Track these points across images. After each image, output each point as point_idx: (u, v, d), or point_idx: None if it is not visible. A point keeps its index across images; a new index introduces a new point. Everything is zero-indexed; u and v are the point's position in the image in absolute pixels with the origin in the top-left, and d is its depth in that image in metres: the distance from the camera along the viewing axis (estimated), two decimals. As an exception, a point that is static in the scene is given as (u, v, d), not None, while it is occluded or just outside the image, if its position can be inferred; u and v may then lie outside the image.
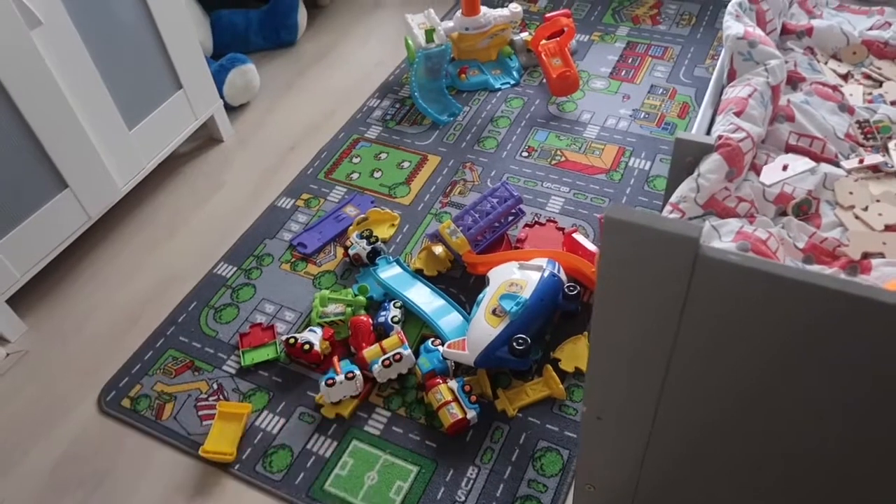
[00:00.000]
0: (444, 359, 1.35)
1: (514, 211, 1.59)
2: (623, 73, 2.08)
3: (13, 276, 1.55)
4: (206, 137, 2.03)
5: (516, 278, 1.37)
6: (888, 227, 1.07)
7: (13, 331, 1.59)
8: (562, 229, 1.62)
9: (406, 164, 1.88)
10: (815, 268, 1.04)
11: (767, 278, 0.64)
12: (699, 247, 0.65)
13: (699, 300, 0.69)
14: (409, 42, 2.06)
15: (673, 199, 1.09)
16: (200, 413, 1.41)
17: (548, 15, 2.10)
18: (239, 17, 2.30)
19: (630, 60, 2.12)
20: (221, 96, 2.02)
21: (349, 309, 1.49)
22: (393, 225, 1.71)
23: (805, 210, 1.11)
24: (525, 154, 1.86)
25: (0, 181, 1.47)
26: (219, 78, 2.02)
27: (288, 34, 2.33)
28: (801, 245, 1.07)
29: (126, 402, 1.45)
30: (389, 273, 1.55)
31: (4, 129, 1.44)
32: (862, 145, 1.21)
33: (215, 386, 1.45)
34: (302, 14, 2.35)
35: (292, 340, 1.43)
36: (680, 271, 0.67)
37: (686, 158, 1.13)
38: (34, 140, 1.50)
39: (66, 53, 1.52)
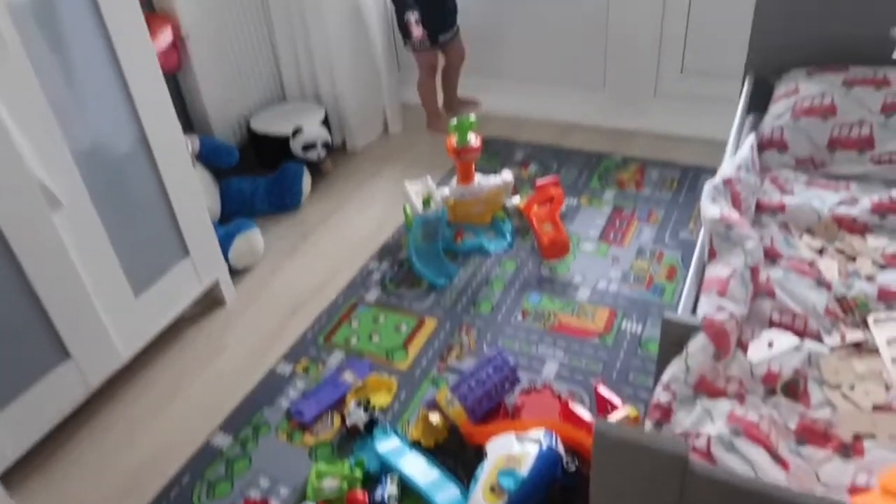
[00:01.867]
0: (442, 539, 1.31)
1: (510, 379, 1.60)
2: (611, 236, 2.17)
3: (5, 453, 1.54)
4: (209, 301, 2.09)
5: (514, 452, 1.36)
6: (876, 407, 1.09)
7: (0, 508, 1.55)
8: (558, 396, 1.63)
9: (404, 328, 1.91)
10: (809, 450, 1.05)
11: (754, 496, 0.65)
12: (688, 463, 0.67)
13: (690, 513, 0.70)
14: (408, 208, 2.18)
15: (664, 378, 1.12)
16: None
17: (538, 182, 2.24)
18: (247, 184, 2.44)
19: (618, 223, 2.23)
20: (227, 260, 2.09)
21: (345, 484, 1.47)
22: (390, 391, 1.72)
23: (793, 389, 1.13)
24: (519, 317, 1.90)
25: (3, 353, 1.50)
26: (225, 243, 2.11)
27: (292, 200, 2.46)
28: (792, 426, 1.08)
29: None
30: (387, 445, 1.54)
31: (13, 303, 1.49)
32: (843, 321, 1.25)
33: (204, 569, 1.39)
34: (306, 181, 2.49)
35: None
36: (670, 487, 0.69)
37: (674, 338, 1.17)
38: (40, 310, 1.54)
39: (82, 230, 1.60)
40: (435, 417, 1.58)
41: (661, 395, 1.10)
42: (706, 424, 1.04)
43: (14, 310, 1.50)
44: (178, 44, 2.31)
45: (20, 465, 1.61)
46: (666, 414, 1.08)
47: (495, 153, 2.68)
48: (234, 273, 2.17)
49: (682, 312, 1.25)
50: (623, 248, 2.12)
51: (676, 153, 2.57)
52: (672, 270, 2.00)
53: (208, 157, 2.33)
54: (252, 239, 2.18)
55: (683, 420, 1.06)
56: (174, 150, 1.82)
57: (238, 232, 2.15)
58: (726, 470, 0.66)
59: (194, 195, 1.92)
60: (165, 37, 2.24)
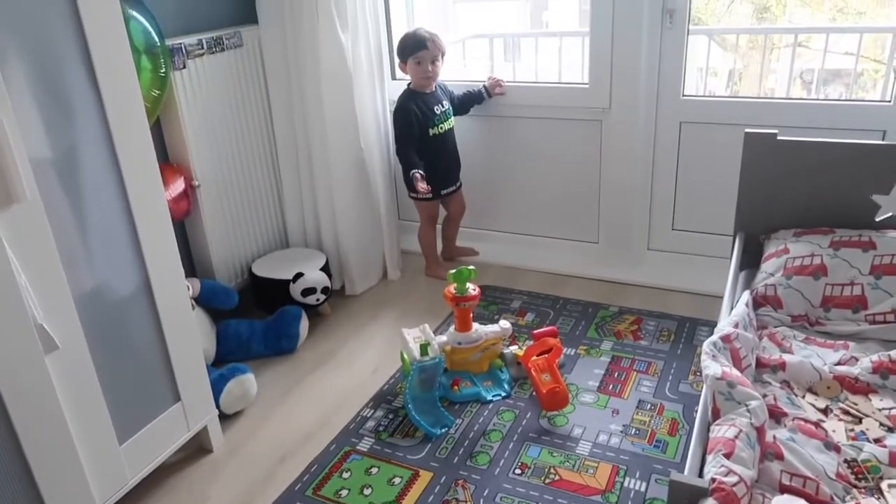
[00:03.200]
0: None
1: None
2: (611, 388, 2.15)
3: None
4: (195, 447, 2.01)
5: None
6: (902, 585, 1.03)
7: None
8: (560, 562, 1.53)
9: (397, 480, 1.83)
10: None
11: None
12: None
13: None
14: (405, 355, 2.16)
15: (673, 546, 1.06)
16: None
17: (536, 332, 2.24)
18: (244, 326, 2.44)
19: (616, 374, 2.21)
20: (217, 405, 2.05)
21: None
22: None
23: (811, 561, 1.07)
24: (518, 471, 1.83)
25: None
26: (217, 387, 2.07)
27: (289, 343, 2.45)
28: None
29: None
30: None
31: (-4, 450, 1.44)
32: (855, 486, 1.21)
33: None
34: (304, 324, 2.49)
35: None
36: None
37: (682, 501, 1.12)
38: (20, 455, 1.48)
39: (74, 374, 1.57)
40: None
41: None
42: None
43: (-5, 455, 1.44)
44: (188, 192, 2.41)
45: None
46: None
47: (493, 301, 2.71)
48: (224, 418, 2.11)
49: (688, 474, 1.21)
50: (623, 399, 2.09)
51: (671, 305, 2.60)
52: (674, 424, 1.96)
53: (208, 299, 2.35)
54: (245, 383, 2.14)
55: None
56: (176, 295, 1.84)
57: (232, 376, 2.12)
58: None
59: (192, 340, 1.91)
60: (178, 186, 2.34)
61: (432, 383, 2.11)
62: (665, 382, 2.15)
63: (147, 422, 1.79)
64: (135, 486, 1.79)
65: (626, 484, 1.76)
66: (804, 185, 1.98)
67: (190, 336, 1.90)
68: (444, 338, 2.24)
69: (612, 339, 2.42)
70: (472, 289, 2.22)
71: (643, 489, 1.73)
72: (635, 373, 2.21)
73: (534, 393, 2.12)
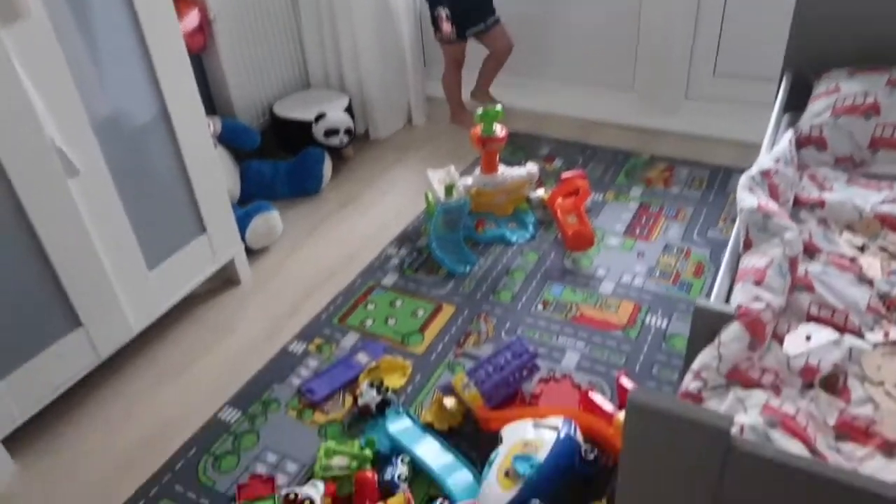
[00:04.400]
0: (453, 525, 1.26)
1: (528, 366, 1.56)
2: (637, 231, 2.12)
3: (12, 416, 1.51)
4: (223, 279, 2.05)
5: (531, 438, 1.31)
6: (921, 406, 1.03)
7: (3, 472, 1.52)
8: (578, 386, 1.57)
9: (420, 313, 1.87)
10: (849, 447, 0.99)
11: (804, 476, 0.60)
12: (731, 439, 0.61)
13: (730, 492, 0.65)
14: (430, 196, 2.14)
15: (695, 366, 1.06)
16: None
17: (564, 175, 2.19)
18: (267, 167, 2.41)
19: (644, 219, 2.18)
20: (244, 240, 2.07)
21: (354, 463, 1.42)
22: (404, 374, 1.67)
23: (833, 384, 1.07)
24: (540, 307, 1.85)
25: (14, 317, 1.48)
26: (243, 223, 2.08)
27: (313, 184, 2.43)
28: (831, 421, 1.02)
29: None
30: (399, 426, 1.49)
31: (27, 268, 1.47)
32: (886, 318, 1.19)
33: (206, 545, 1.35)
34: (327, 166, 2.46)
35: (292, 496, 1.35)
36: (710, 464, 0.64)
37: (706, 327, 1.12)
38: (55, 279, 1.52)
39: (98, 199, 1.57)
40: (450, 401, 1.53)
41: (690, 383, 1.05)
42: (739, 414, 0.99)
43: (27, 275, 1.48)
44: (204, 26, 2.29)
45: (26, 430, 1.58)
46: (696, 401, 1.03)
47: (520, 147, 2.64)
48: (251, 253, 2.13)
49: (714, 301, 1.20)
50: (649, 243, 2.06)
51: (707, 154, 2.51)
52: (700, 267, 1.94)
53: (230, 138, 2.31)
54: (270, 220, 2.15)
55: (714, 408, 1.00)
56: (195, 127, 1.79)
57: (257, 212, 2.12)
58: (774, 447, 0.61)
59: (214, 173, 1.89)
60: (192, 18, 2.23)
61: (457, 224, 2.10)
62: (694, 228, 2.12)
63: (174, 251, 1.81)
64: (166, 313, 1.85)
65: (647, 321, 1.77)
66: (862, 20, 1.82)
67: (212, 169, 1.87)
68: (469, 180, 2.20)
69: (641, 185, 2.36)
70: (500, 130, 2.14)
71: (664, 326, 1.75)
72: (664, 218, 2.18)
73: (559, 235, 2.11)
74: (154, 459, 1.53)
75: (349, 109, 2.61)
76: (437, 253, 2.04)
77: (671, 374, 1.59)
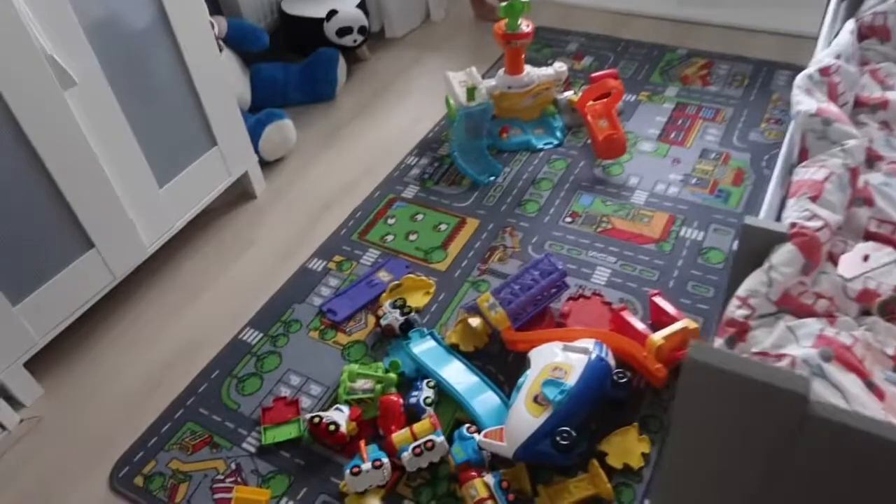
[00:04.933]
0: (481, 448, 1.23)
1: (557, 284, 1.49)
2: (672, 136, 1.98)
3: (32, 339, 1.49)
4: (238, 193, 1.98)
5: (560, 361, 1.26)
6: None
7: (29, 395, 1.53)
8: (608, 304, 1.51)
9: (443, 227, 1.79)
10: (909, 379, 0.92)
11: (883, 443, 0.52)
12: (808, 405, 0.54)
13: (803, 459, 0.58)
14: (450, 100, 2.00)
15: (741, 292, 0.98)
16: (216, 496, 1.31)
17: (594, 75, 2.03)
18: (278, 71, 2.27)
19: (680, 122, 2.03)
20: (257, 151, 1.97)
21: (379, 386, 1.40)
22: (428, 293, 1.62)
23: (892, 309, 0.99)
24: (569, 220, 1.76)
25: (24, 241, 1.43)
26: (255, 133, 1.98)
27: (326, 89, 2.30)
28: (890, 352, 0.94)
29: (139, 480, 1.36)
30: (423, 347, 1.45)
31: (31, 189, 1.40)
32: (953, 233, 1.08)
33: (233, 466, 1.36)
34: (341, 69, 2.31)
35: (317, 420, 1.33)
36: (782, 431, 0.56)
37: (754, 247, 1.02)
38: (61, 199, 1.46)
39: (99, 113, 1.48)
40: (475, 321, 1.48)
41: (736, 310, 0.97)
42: (790, 345, 0.91)
43: (32, 197, 1.41)
44: None
45: (48, 354, 1.57)
46: (741, 331, 0.95)
47: (546, 44, 2.45)
48: (265, 165, 2.05)
49: (764, 218, 1.09)
50: (685, 148, 1.93)
51: (749, 47, 2.31)
52: (739, 174, 1.82)
53: (236, 40, 2.16)
54: (284, 128, 2.04)
55: (762, 338, 0.93)
56: (198, 29, 1.66)
57: (269, 121, 2.01)
58: (857, 415, 0.54)
59: (221, 80, 1.77)
60: None
61: (480, 130, 1.98)
62: (733, 131, 1.97)
63: (185, 165, 1.73)
64: (181, 229, 1.79)
65: (681, 233, 1.68)
66: None
67: (219, 76, 1.75)
68: (492, 82, 2.05)
69: (677, 84, 2.19)
70: (525, 25, 1.97)
71: (700, 238, 1.66)
72: (701, 120, 2.03)
73: (588, 140, 1.98)
74: (178, 381, 1.52)
75: (362, 5, 2.43)
76: (460, 162, 1.93)
77: (706, 291, 1.51)
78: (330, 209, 1.92)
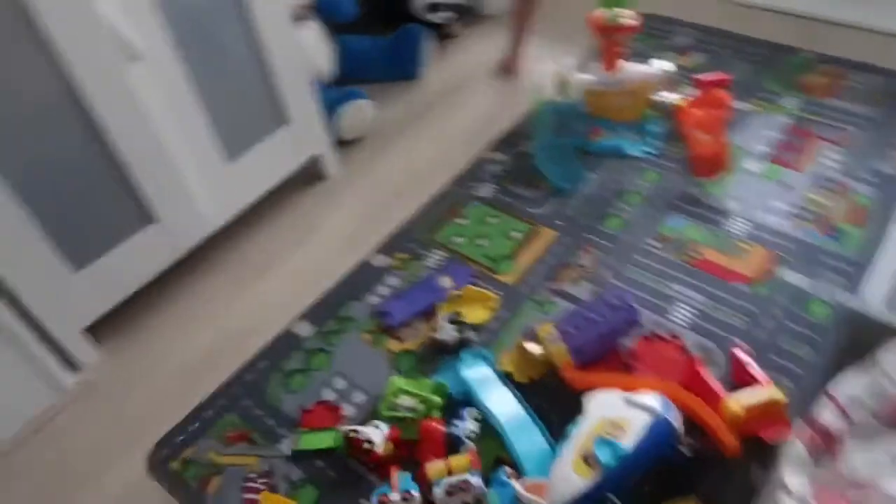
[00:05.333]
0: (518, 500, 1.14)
1: (628, 321, 1.35)
2: (785, 156, 1.76)
3: (92, 305, 1.50)
4: (309, 173, 1.93)
5: (618, 417, 1.13)
6: None
7: (85, 359, 1.55)
8: (685, 352, 1.36)
9: (516, 234, 1.67)
10: None
11: None
12: None
13: None
14: (538, 92, 1.86)
15: (840, 396, 0.82)
16: (245, 496, 1.28)
17: (701, 78, 1.82)
18: (366, 43, 2.19)
19: (795, 140, 1.80)
20: (334, 129, 1.91)
21: (422, 406, 1.31)
22: (489, 308, 1.51)
23: None
24: (654, 243, 1.60)
25: (87, 211, 1.42)
26: (332, 110, 1.91)
27: (411, 67, 2.20)
28: None
29: (176, 465, 1.35)
30: (474, 371, 1.35)
31: (95, 160, 1.39)
32: None
33: (266, 467, 1.32)
34: (428, 47, 2.20)
35: (353, 434, 1.27)
36: None
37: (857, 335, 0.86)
38: (124, 171, 1.44)
39: (165, 85, 1.45)
40: (534, 349, 1.37)
41: (829, 417, 0.81)
42: (890, 478, 0.75)
43: (95, 167, 1.40)
44: None
45: (107, 321, 1.58)
46: (831, 444, 0.80)
47: (651, 34, 2.24)
48: (342, 144, 1.98)
49: (875, 292, 0.92)
50: (798, 173, 1.72)
51: (889, 56, 2.02)
52: (861, 213, 1.60)
53: (324, 9, 2.08)
54: (362, 108, 1.97)
55: (858, 463, 0.77)
56: (274, 2, 1.58)
57: (347, 100, 1.94)
58: None
59: (297, 57, 1.70)
60: None
61: (567, 129, 1.83)
62: (859, 157, 1.73)
63: (254, 142, 1.69)
64: (248, 207, 1.76)
65: (782, 275, 1.49)
66: None
67: (294, 54, 1.68)
68: (586, 77, 1.89)
69: (798, 94, 1.95)
70: (628, 16, 1.79)
71: (803, 285, 1.46)
72: (821, 140, 1.79)
73: (687, 153, 1.79)
74: (227, 367, 1.49)
75: (461, -21, 2.29)
76: (542, 163, 1.80)
77: (802, 350, 1.33)
78: (401, 198, 1.84)
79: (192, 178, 1.56)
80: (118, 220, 1.48)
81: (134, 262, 1.54)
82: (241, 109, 1.63)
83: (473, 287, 1.54)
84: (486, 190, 1.81)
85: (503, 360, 1.39)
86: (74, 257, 1.43)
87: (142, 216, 1.51)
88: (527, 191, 1.79)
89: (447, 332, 1.42)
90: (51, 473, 1.38)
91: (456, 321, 1.44)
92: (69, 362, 1.51)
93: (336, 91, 1.97)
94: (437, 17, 2.20)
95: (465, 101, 2.13)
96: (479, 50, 2.31)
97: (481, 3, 2.46)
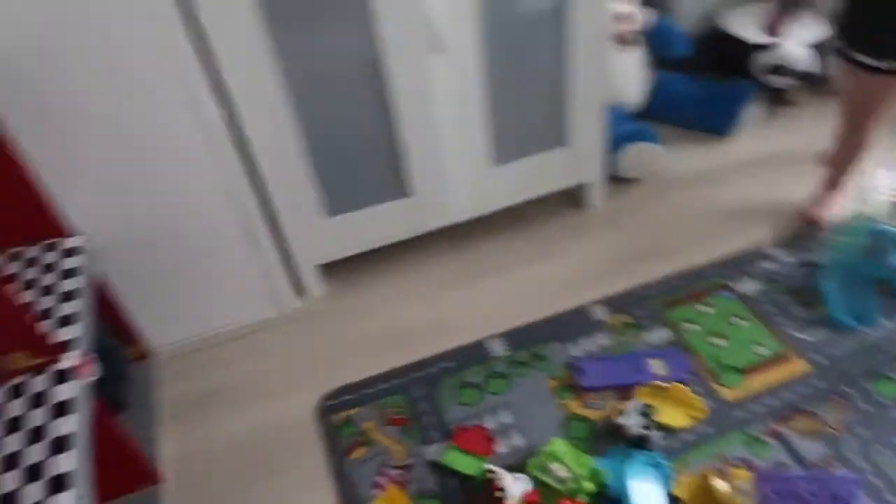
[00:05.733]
0: None
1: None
2: None
3: (333, 248, 1.64)
4: (570, 197, 1.86)
5: None
6: None
7: (314, 290, 1.69)
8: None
9: (761, 350, 1.44)
10: None
11: None
12: None
13: None
14: (864, 203, 1.55)
15: None
16: (377, 479, 1.31)
17: None
18: (682, 84, 2.03)
19: None
20: (614, 163, 1.81)
21: (573, 485, 1.21)
22: (691, 416, 1.33)
23: None
24: (931, 433, 1.26)
25: (356, 169, 1.54)
26: (619, 144, 1.81)
27: (726, 123, 1.99)
28: None
29: (337, 419, 1.42)
30: (640, 480, 1.20)
31: (375, 128, 1.48)
32: None
33: (408, 462, 1.33)
34: (751, 110, 1.97)
35: (492, 474, 1.22)
36: None
37: None
38: (397, 145, 1.52)
39: (458, 81, 1.49)
40: (721, 486, 1.17)
41: None
42: None
43: (373, 135, 1.50)
44: None
45: (339, 267, 1.71)
46: None
47: None
48: (614, 180, 1.88)
49: None
50: None
51: None
52: None
53: (656, 39, 1.97)
54: (646, 152, 1.84)
55: None
56: (595, 25, 1.52)
57: (636, 139, 1.82)
58: None
59: (601, 82, 1.62)
60: None
61: (881, 259, 1.51)
62: None
63: (526, 154, 1.67)
64: (498, 211, 1.75)
65: None
66: None
67: (599, 75, 1.60)
68: (933, 204, 1.53)
69: None
70: None
71: None
72: None
73: None
74: (418, 351, 1.53)
75: (818, 45, 1.98)
76: (828, 285, 1.51)
77: None
78: (648, 259, 1.69)
79: (454, 169, 1.60)
80: (378, 185, 1.58)
81: (379, 224, 1.64)
82: (524, 120, 1.61)
83: (683, 386, 1.36)
84: (749, 286, 1.58)
85: (679, 481, 1.21)
86: (332, 204, 1.56)
87: (399, 188, 1.59)
88: (797, 307, 1.52)
89: (633, 422, 1.28)
90: (238, 379, 1.53)
91: (647, 414, 1.28)
92: (297, 289, 1.66)
93: (629, 125, 1.86)
94: (778, 82, 1.95)
95: (769, 176, 1.87)
96: (811, 126, 2.00)
97: (831, 74, 2.12)
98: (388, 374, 1.50)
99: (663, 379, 1.38)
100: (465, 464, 1.30)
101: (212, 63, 1.26)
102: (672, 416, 1.32)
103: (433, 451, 1.34)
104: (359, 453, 1.36)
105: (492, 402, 1.41)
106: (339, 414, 1.43)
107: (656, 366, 1.42)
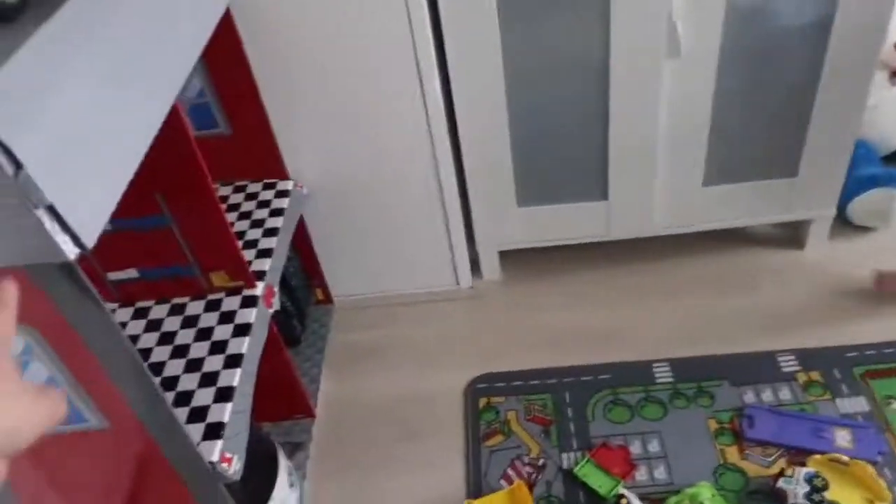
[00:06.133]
0: None
1: None
2: None
3: (517, 237, 1.65)
4: (788, 233, 1.68)
5: None
6: None
7: (489, 274, 1.72)
8: None
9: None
10: None
11: None
12: None
13: None
14: None
15: None
16: (508, 471, 1.31)
17: None
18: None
19: None
20: (843, 208, 1.61)
21: (706, 537, 1.11)
22: (869, 500, 1.15)
23: None
24: None
25: (556, 163, 1.52)
26: (857, 186, 1.60)
27: None
28: None
29: (482, 402, 1.45)
30: (790, 553, 1.07)
31: (585, 123, 1.45)
32: None
33: (541, 463, 1.31)
34: None
35: (623, 499, 1.16)
36: None
37: None
38: (604, 145, 1.48)
39: (687, 90, 1.39)
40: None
41: None
42: None
43: (581, 130, 1.47)
44: None
45: (518, 256, 1.71)
46: None
47: None
48: (842, 223, 1.66)
49: None
50: None
51: None
52: None
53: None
54: (884, 201, 1.60)
55: None
56: (866, 45, 1.34)
57: (881, 184, 1.59)
58: None
59: (857, 114, 1.43)
60: None
61: None
62: None
63: (744, 178, 1.54)
64: (701, 232, 1.64)
65: None
66: None
67: (858, 104, 1.41)
68: None
69: None
70: None
71: None
72: None
73: None
74: (575, 355, 1.50)
75: None
76: None
77: None
78: (857, 317, 1.48)
79: (661, 181, 1.52)
80: (576, 184, 1.55)
81: (569, 222, 1.61)
82: (750, 141, 1.48)
83: (871, 467, 1.18)
84: None
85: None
86: (523, 194, 1.57)
87: (598, 190, 1.55)
88: None
89: (796, 490, 1.13)
90: (401, 342, 1.61)
91: (818, 488, 1.13)
92: (473, 269, 1.70)
93: (876, 168, 1.62)
94: None
95: None
96: None
97: None
98: (542, 372, 1.48)
99: (847, 453, 1.20)
100: (599, 481, 1.26)
101: (440, 52, 1.33)
102: (847, 496, 1.15)
103: (569, 460, 1.31)
104: (495, 441, 1.37)
105: (642, 426, 1.34)
106: (486, 398, 1.45)
107: (842, 436, 1.25)
